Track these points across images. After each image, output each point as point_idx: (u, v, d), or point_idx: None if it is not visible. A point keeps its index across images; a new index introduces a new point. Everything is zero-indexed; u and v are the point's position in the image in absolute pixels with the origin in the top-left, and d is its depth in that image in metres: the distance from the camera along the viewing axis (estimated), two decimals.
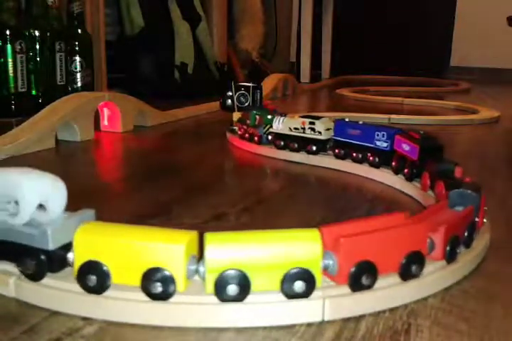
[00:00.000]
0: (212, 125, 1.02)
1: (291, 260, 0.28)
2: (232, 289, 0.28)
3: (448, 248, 0.33)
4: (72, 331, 0.28)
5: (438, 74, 2.59)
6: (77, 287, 0.29)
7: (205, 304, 0.28)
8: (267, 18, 2.07)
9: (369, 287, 0.30)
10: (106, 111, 0.88)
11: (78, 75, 1.14)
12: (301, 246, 0.29)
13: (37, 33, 1.05)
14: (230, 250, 0.28)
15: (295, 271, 0.28)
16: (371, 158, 0.61)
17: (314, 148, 0.67)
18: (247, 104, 0.83)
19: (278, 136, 0.71)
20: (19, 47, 0.99)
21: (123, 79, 1.43)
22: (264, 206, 0.51)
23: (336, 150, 0.65)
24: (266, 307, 0.28)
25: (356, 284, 0.29)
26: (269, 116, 0.72)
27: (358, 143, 0.62)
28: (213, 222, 0.46)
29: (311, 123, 0.66)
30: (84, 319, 0.29)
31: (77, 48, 1.13)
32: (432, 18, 2.76)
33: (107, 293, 0.29)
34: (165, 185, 0.58)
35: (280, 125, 0.70)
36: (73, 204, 0.51)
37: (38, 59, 1.05)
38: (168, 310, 0.28)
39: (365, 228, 0.31)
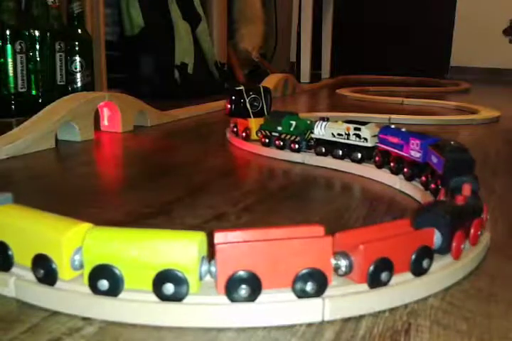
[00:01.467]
0: (212, 125, 1.02)
1: (163, 261, 0.28)
2: (103, 284, 0.28)
3: (370, 270, 0.30)
4: (72, 331, 0.28)
5: (438, 74, 2.59)
6: (77, 287, 0.29)
7: (205, 304, 0.28)
8: (267, 18, 2.07)
9: (250, 301, 0.28)
10: (106, 111, 0.88)
11: (78, 75, 1.14)
12: (177, 248, 0.28)
13: (37, 33, 1.05)
14: (105, 245, 0.28)
15: (166, 272, 0.28)
16: (405, 170, 0.55)
17: (359, 155, 0.62)
18: (259, 109, 0.77)
19: (320, 142, 0.66)
20: (19, 47, 0.99)
21: (123, 79, 1.43)
22: (264, 206, 0.51)
23: (377, 158, 0.60)
24: (266, 307, 0.28)
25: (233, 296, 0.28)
26: (309, 122, 0.68)
27: (396, 151, 0.57)
28: (214, 222, 0.46)
29: (356, 129, 0.62)
30: (84, 319, 0.29)
31: (77, 48, 1.13)
32: (432, 18, 2.76)
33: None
34: (165, 185, 0.58)
35: (323, 130, 0.65)
36: (73, 204, 0.51)
37: (38, 59, 1.05)
38: (168, 310, 0.28)
39: (262, 237, 0.29)
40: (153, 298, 0.28)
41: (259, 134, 0.75)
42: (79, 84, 1.14)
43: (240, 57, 1.88)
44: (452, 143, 0.48)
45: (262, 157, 0.72)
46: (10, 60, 0.98)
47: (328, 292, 0.29)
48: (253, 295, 0.28)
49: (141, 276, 0.28)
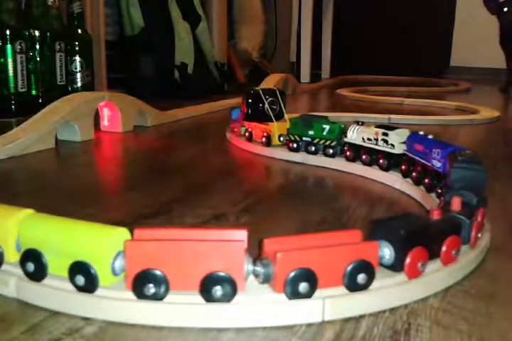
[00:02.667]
0: (212, 125, 1.02)
1: (78, 252, 0.29)
2: (30, 266, 0.30)
3: (287, 280, 0.28)
4: (72, 331, 0.28)
5: (438, 74, 2.59)
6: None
7: (206, 304, 0.28)
8: (267, 18, 2.07)
9: (157, 300, 0.28)
10: (106, 111, 0.88)
11: (78, 75, 1.14)
12: (92, 241, 0.29)
13: (37, 33, 1.05)
14: (35, 230, 0.30)
15: (78, 263, 0.29)
16: (426, 180, 0.52)
17: (386, 163, 0.59)
18: (277, 112, 0.74)
19: (351, 146, 0.63)
20: (19, 47, 0.99)
21: (123, 79, 1.43)
22: (264, 206, 0.51)
23: (403, 167, 0.57)
24: (266, 307, 0.28)
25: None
26: (342, 125, 0.65)
27: (420, 160, 0.54)
28: (213, 222, 0.46)
29: (384, 134, 0.58)
30: (84, 319, 0.29)
31: (77, 48, 1.13)
32: (432, 18, 2.76)
33: (107, 293, 0.29)
34: (165, 185, 0.58)
35: (354, 134, 0.62)
36: (73, 204, 0.51)
37: (38, 59, 1.05)
38: (168, 310, 0.28)
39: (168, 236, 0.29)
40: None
41: (282, 139, 0.71)
42: (79, 84, 1.14)
43: (240, 57, 1.88)
44: (467, 153, 0.45)
45: (262, 157, 0.72)
46: (10, 60, 0.98)
47: (328, 292, 0.29)
48: (159, 294, 0.28)
49: (60, 264, 0.29)
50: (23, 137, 0.70)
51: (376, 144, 0.60)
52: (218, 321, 0.28)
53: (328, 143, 0.66)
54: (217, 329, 0.28)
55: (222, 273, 0.28)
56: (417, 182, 0.54)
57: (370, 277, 0.30)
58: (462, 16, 2.82)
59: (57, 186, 0.57)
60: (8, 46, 0.98)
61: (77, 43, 1.12)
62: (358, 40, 2.78)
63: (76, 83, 1.14)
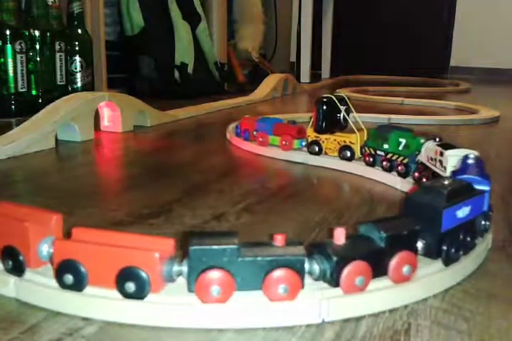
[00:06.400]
0: (212, 125, 1.02)
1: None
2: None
3: (56, 269, 0.30)
4: (72, 331, 0.28)
5: (438, 74, 2.59)
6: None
7: (206, 304, 0.28)
8: (267, 18, 2.07)
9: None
10: (106, 111, 0.88)
11: (78, 75, 1.14)
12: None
13: (37, 33, 1.05)
14: None
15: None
16: None
17: None
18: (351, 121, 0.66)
19: (422, 166, 0.54)
20: (19, 47, 0.99)
21: (123, 79, 1.43)
22: (264, 206, 0.51)
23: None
24: (266, 307, 0.28)
25: None
26: (422, 140, 0.55)
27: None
28: (213, 222, 0.46)
29: (441, 153, 0.49)
30: (84, 319, 0.29)
31: (77, 48, 1.13)
32: (432, 19, 2.76)
33: (107, 293, 0.29)
34: (165, 185, 0.58)
35: (424, 152, 0.54)
36: (73, 204, 0.51)
37: (38, 59, 1.05)
38: (168, 310, 0.28)
39: None
40: (153, 298, 0.28)
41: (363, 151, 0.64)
42: (79, 84, 1.14)
43: (239, 57, 1.88)
44: (449, 184, 0.35)
45: (262, 157, 0.72)
46: (10, 60, 0.98)
47: (328, 293, 0.29)
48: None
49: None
50: (23, 137, 0.70)
51: (435, 165, 0.50)
52: (218, 321, 0.28)
53: (400, 159, 0.57)
54: (217, 329, 0.28)
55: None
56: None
57: (140, 286, 0.28)
58: (462, 16, 2.82)
59: (57, 186, 0.57)
60: (8, 46, 0.98)
61: (77, 43, 1.13)
62: (358, 40, 2.78)
63: (76, 83, 1.14)
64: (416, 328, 0.29)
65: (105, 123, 0.88)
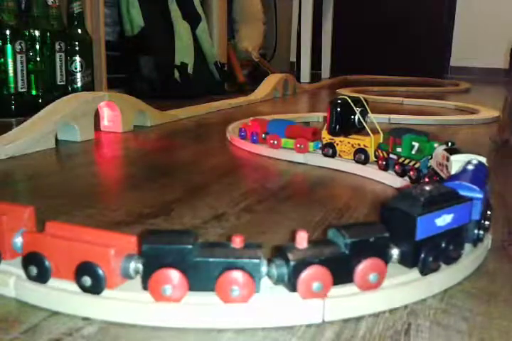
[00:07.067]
0: (212, 125, 1.02)
1: None
2: None
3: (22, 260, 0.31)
4: (72, 331, 0.28)
5: (438, 74, 2.59)
6: (77, 287, 0.29)
7: (206, 304, 0.28)
8: (267, 18, 2.07)
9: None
10: (106, 111, 0.88)
11: (78, 75, 1.14)
12: None
13: (37, 33, 1.05)
14: None
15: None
16: None
17: None
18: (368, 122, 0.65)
19: (433, 172, 0.52)
20: (19, 47, 0.99)
21: (123, 79, 1.43)
22: (264, 206, 0.51)
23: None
24: (266, 307, 0.28)
25: None
26: (436, 144, 0.53)
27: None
28: (213, 222, 0.46)
29: (447, 158, 0.47)
30: (84, 319, 0.29)
31: (77, 48, 1.13)
32: (432, 19, 2.76)
33: (107, 293, 0.29)
34: (165, 185, 0.58)
35: (434, 156, 0.52)
36: (73, 204, 0.51)
37: (38, 59, 1.05)
38: (168, 310, 0.28)
39: None
40: (153, 298, 0.28)
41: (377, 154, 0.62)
42: (79, 84, 1.14)
43: (239, 57, 1.88)
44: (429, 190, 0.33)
45: (262, 157, 0.72)
46: (10, 60, 0.98)
47: (328, 292, 0.29)
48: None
49: None
50: (23, 137, 0.70)
51: (442, 170, 0.49)
52: (218, 321, 0.28)
53: (413, 163, 0.56)
54: (217, 329, 0.28)
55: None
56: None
57: (96, 281, 0.29)
58: (462, 16, 2.82)
59: (57, 186, 0.57)
60: (8, 46, 0.98)
61: (77, 43, 1.13)
62: (358, 40, 2.78)
63: (76, 83, 1.14)
64: (416, 328, 0.29)
65: (105, 123, 0.88)
